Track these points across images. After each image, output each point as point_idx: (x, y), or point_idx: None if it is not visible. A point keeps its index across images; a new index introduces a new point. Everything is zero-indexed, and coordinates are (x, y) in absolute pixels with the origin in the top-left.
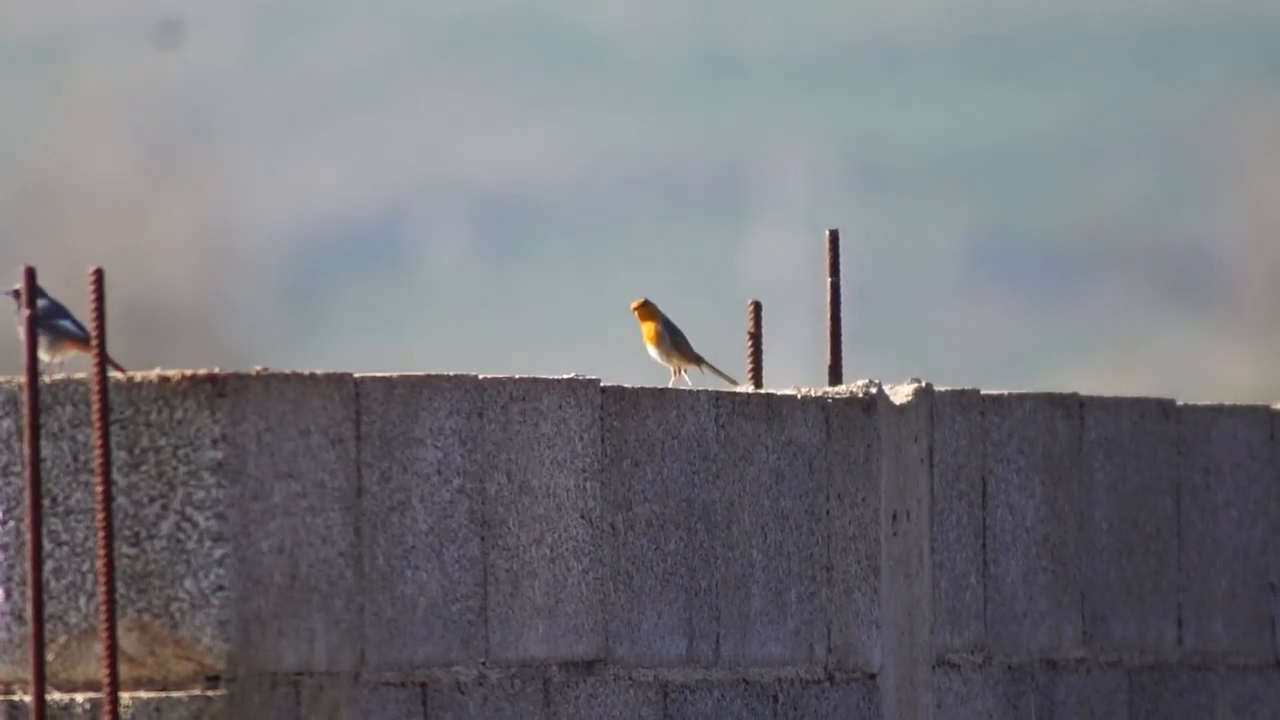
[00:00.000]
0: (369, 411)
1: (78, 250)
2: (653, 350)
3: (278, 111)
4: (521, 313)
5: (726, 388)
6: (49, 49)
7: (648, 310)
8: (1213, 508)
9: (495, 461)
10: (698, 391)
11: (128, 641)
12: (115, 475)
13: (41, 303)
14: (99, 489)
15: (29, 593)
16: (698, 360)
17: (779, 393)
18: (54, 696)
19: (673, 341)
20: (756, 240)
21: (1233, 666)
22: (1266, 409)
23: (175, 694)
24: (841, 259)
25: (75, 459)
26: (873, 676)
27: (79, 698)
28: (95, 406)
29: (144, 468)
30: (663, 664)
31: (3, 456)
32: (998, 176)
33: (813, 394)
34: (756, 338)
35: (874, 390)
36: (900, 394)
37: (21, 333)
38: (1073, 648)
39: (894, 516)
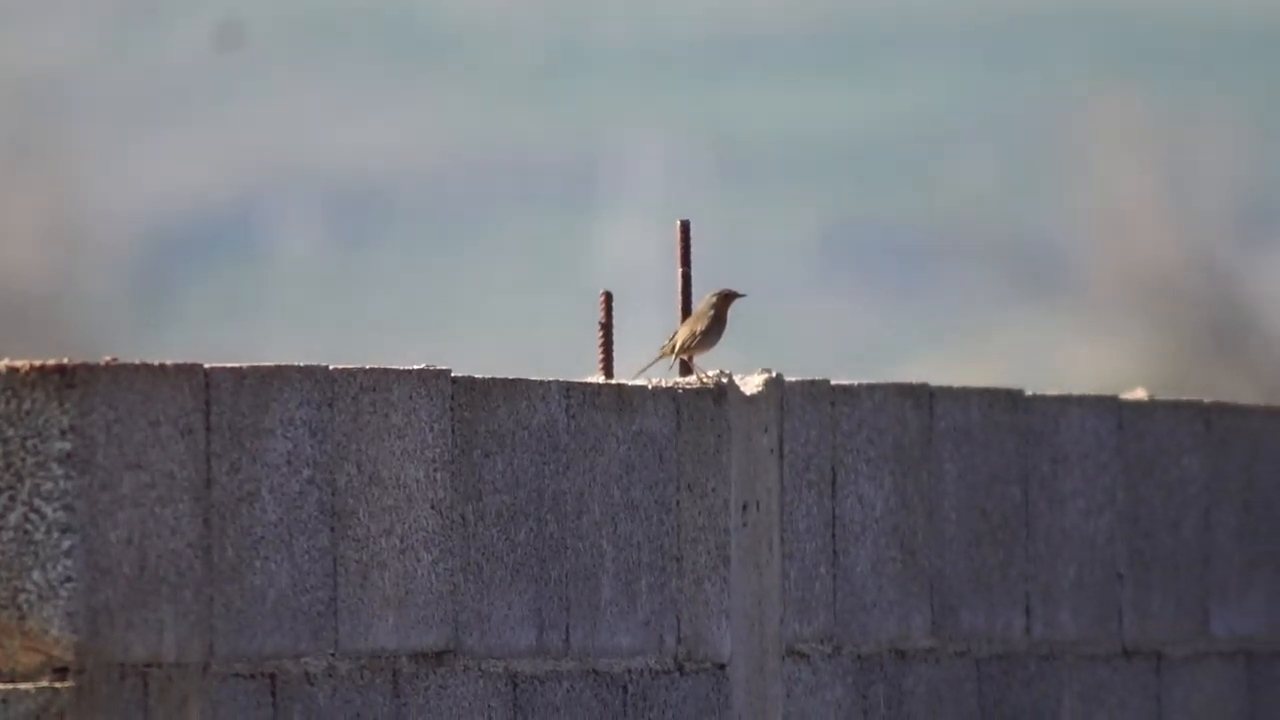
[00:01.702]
0: (219, 402)
1: None
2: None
3: (129, 101)
4: (373, 302)
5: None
6: None
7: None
8: (1061, 497)
9: (345, 452)
10: (548, 382)
11: None
12: None
13: None
14: None
15: None
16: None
17: (629, 383)
18: None
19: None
20: (609, 230)
21: (1080, 656)
22: (1114, 399)
23: (23, 686)
24: (693, 249)
25: None
26: (722, 667)
27: None
28: None
29: None
30: (512, 655)
31: None
32: (849, 167)
33: (663, 384)
34: (608, 328)
35: (724, 380)
36: (750, 384)
37: None
38: (921, 637)
39: (744, 507)
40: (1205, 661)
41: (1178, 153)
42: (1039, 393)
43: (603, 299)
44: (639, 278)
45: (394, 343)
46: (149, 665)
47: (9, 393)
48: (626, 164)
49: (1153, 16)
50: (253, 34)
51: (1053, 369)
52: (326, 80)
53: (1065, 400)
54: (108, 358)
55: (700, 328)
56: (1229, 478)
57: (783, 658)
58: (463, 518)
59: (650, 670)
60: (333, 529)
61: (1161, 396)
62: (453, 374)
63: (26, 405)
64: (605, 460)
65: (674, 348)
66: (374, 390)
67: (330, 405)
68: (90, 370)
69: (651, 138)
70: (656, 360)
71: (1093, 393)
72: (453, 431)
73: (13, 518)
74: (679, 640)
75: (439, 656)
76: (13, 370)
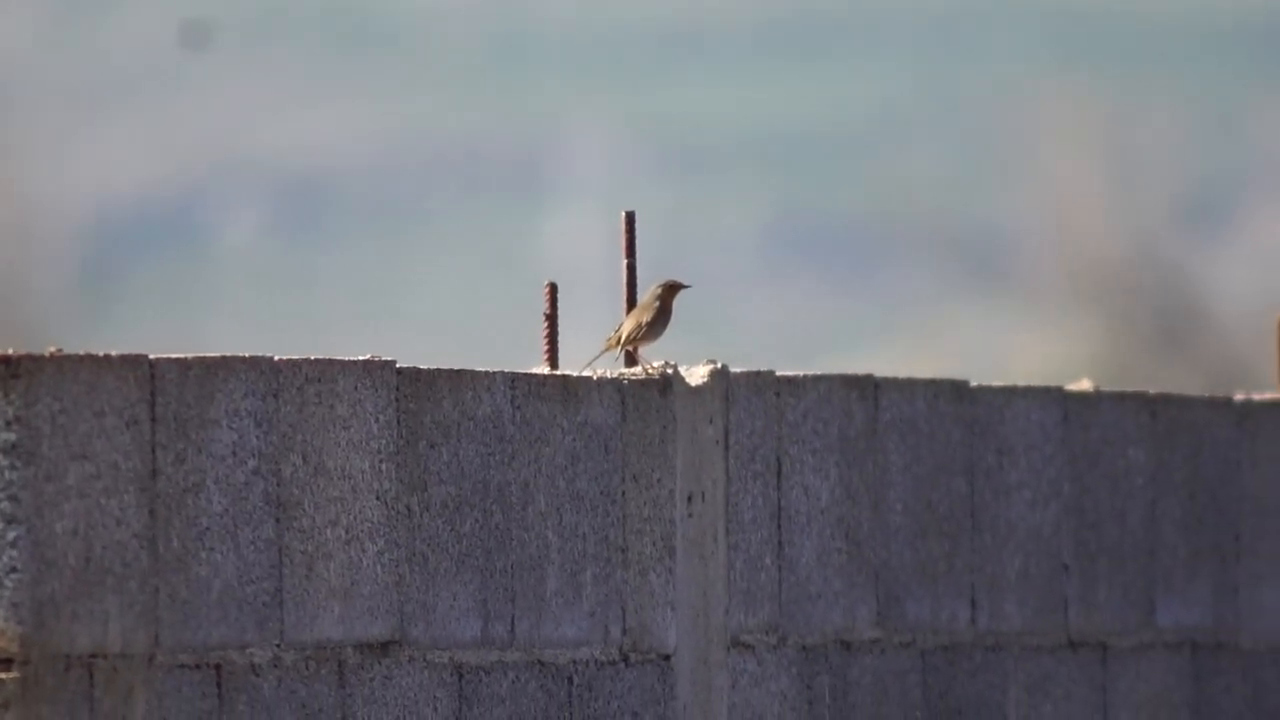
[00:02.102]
0: (164, 393)
1: None
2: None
3: (73, 91)
4: (318, 293)
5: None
6: None
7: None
8: (1006, 489)
9: (291, 443)
10: (494, 373)
11: None
12: None
13: None
14: None
15: None
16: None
17: (575, 374)
18: None
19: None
20: (554, 221)
21: (1026, 647)
22: (1060, 390)
23: None
24: (638, 240)
25: None
26: (667, 658)
27: None
28: None
29: None
30: (458, 645)
31: None
32: (795, 159)
33: (608, 376)
34: (553, 319)
35: (669, 371)
36: (696, 375)
37: None
38: (867, 629)
39: (689, 498)
40: (1150, 652)
41: (1123, 145)
42: (984, 384)
43: (547, 290)
44: (584, 269)
45: (339, 333)
46: (94, 656)
47: None
48: (572, 155)
49: (1099, 9)
50: (210, 28)
51: (998, 360)
52: (272, 71)
53: (1011, 391)
54: (52, 348)
55: (646, 319)
56: (1174, 469)
57: (728, 649)
58: (408, 508)
59: (595, 661)
60: (278, 520)
61: (1107, 388)
62: (398, 365)
63: None
64: (550, 451)
65: (619, 339)
66: (319, 381)
67: (275, 396)
68: (35, 361)
69: (596, 129)
70: (603, 352)
71: (1038, 384)
72: (398, 422)
73: None
74: (624, 631)
75: (384, 647)
76: None
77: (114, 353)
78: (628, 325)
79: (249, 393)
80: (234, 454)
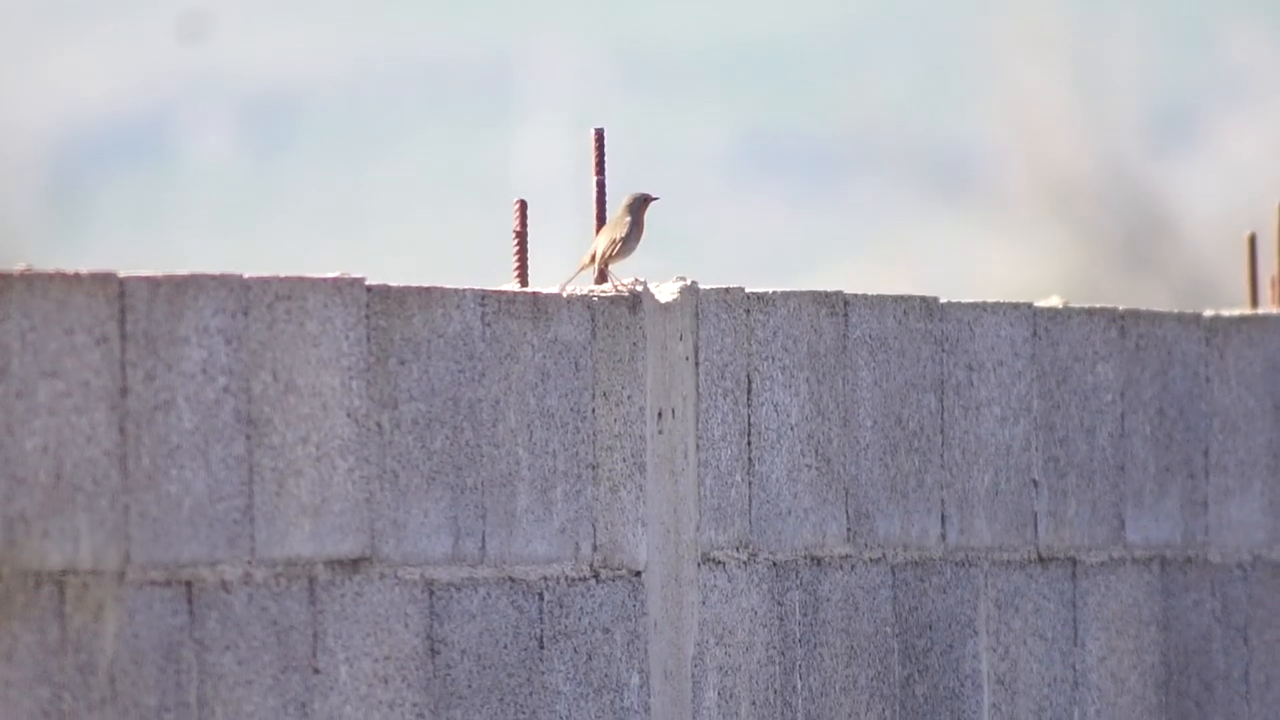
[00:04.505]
0: (134, 310)
1: None
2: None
3: (39, 6)
4: (287, 208)
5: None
6: None
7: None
8: (976, 405)
9: (261, 360)
10: (464, 290)
11: None
12: None
13: None
14: None
15: None
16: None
17: (545, 291)
18: None
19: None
20: (523, 138)
21: (995, 562)
22: (1029, 306)
23: None
24: (607, 157)
25: None
26: (638, 574)
27: None
28: None
29: None
30: (429, 562)
31: None
32: (763, 75)
33: (578, 292)
34: (523, 236)
35: (639, 288)
36: (665, 292)
37: None
38: (837, 544)
39: (659, 414)
40: (1120, 568)
41: (1090, 58)
42: (954, 300)
43: (517, 207)
44: (553, 185)
45: (309, 249)
46: (65, 573)
47: None
48: (541, 72)
49: None
50: (206, 19)
51: (967, 275)
52: None
53: (980, 308)
54: (22, 266)
55: (619, 234)
56: (1143, 384)
57: (699, 565)
58: (379, 425)
59: (566, 578)
60: (248, 437)
61: (1076, 303)
62: (367, 282)
63: None
64: (521, 368)
65: (594, 256)
66: (289, 298)
67: (245, 314)
68: (4, 279)
69: (566, 45)
70: (580, 271)
71: (1007, 300)
72: (368, 339)
73: None
74: (595, 548)
75: (355, 564)
76: None
77: (83, 270)
78: (602, 242)
79: (218, 310)
80: (204, 371)
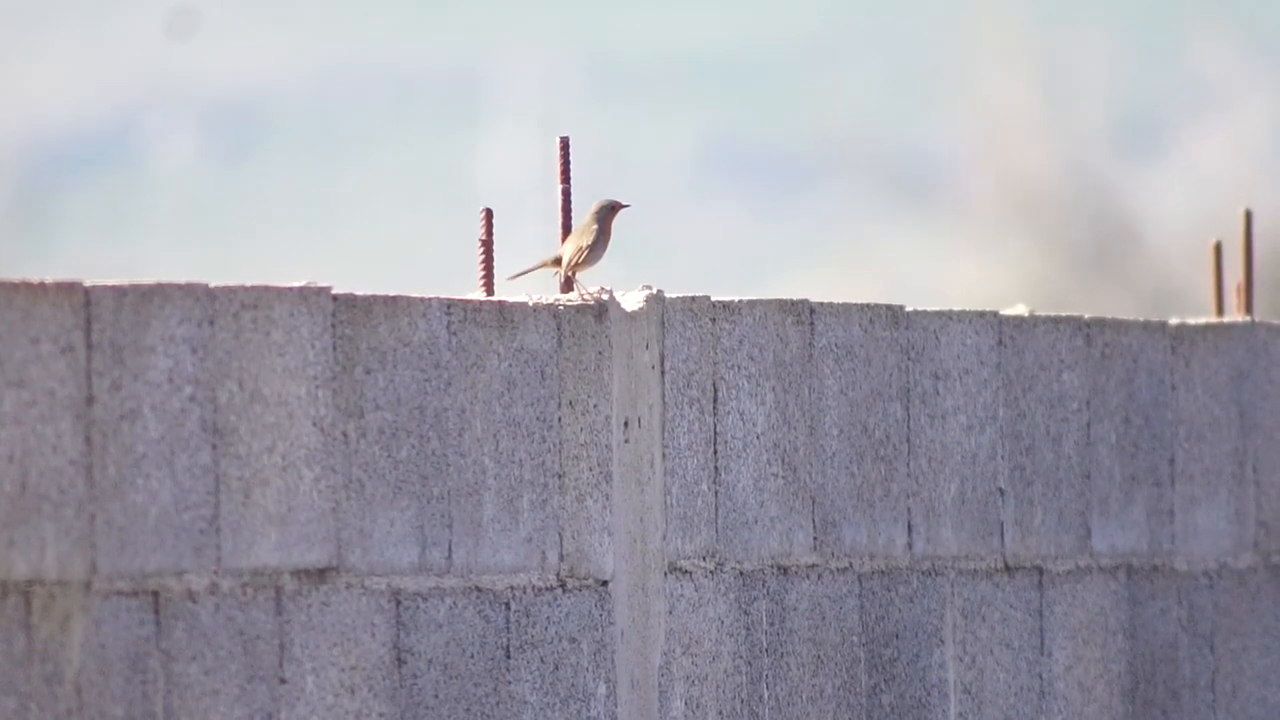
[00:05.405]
0: (99, 320)
1: None
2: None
3: (6, 13)
4: (254, 216)
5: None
6: None
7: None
8: (942, 413)
9: (227, 370)
10: (429, 299)
11: None
12: None
13: None
14: None
15: None
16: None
17: (510, 300)
18: None
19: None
20: (490, 146)
21: (962, 571)
22: (995, 314)
23: None
24: (573, 165)
25: None
26: (605, 583)
27: None
28: None
29: None
30: (395, 572)
31: None
32: (729, 83)
33: (544, 301)
34: (488, 244)
35: (605, 297)
36: (631, 301)
37: None
38: (804, 554)
39: (625, 423)
40: (1086, 576)
41: (1057, 67)
42: (920, 309)
43: (483, 216)
44: (519, 192)
45: (275, 257)
46: (31, 583)
47: None
48: (507, 79)
49: None
50: (195, 16)
51: (934, 285)
52: None
53: (946, 316)
54: None
55: (586, 242)
56: (1109, 393)
57: (665, 574)
58: (344, 435)
59: (533, 587)
60: (214, 446)
61: (1042, 312)
62: (333, 291)
63: None
64: (487, 377)
65: (561, 263)
66: (255, 308)
67: (211, 323)
68: None
69: (533, 52)
70: (538, 266)
71: (973, 308)
72: (334, 348)
73: None
74: (561, 557)
75: (321, 574)
76: None
77: (49, 279)
78: (568, 249)
79: (184, 319)
80: (170, 380)
